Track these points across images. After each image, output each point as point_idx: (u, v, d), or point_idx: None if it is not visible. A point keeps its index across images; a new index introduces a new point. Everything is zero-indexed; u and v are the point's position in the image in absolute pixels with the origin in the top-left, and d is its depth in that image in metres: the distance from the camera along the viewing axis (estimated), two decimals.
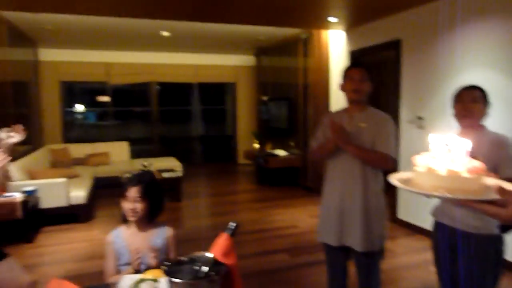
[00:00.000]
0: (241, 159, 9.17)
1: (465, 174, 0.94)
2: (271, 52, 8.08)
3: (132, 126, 9.65)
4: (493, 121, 2.26)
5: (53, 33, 6.27)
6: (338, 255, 2.53)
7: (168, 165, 6.82)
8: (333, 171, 2.48)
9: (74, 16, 5.01)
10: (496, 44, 3.58)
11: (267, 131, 8.13)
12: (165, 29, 6.12)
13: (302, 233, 4.59)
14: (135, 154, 7.89)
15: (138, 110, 9.47)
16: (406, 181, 1.04)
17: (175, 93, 9.82)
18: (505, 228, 2.12)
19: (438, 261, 2.27)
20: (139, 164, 6.17)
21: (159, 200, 1.99)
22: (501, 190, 0.93)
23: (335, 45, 6.06)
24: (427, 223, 2.45)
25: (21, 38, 6.32)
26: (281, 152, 7.19)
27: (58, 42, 7.06)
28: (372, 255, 2.40)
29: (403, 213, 4.78)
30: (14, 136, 2.05)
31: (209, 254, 1.37)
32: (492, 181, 1.00)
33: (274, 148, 7.53)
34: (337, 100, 5.69)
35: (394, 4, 4.38)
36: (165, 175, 6.02)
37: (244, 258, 3.85)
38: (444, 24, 4.06)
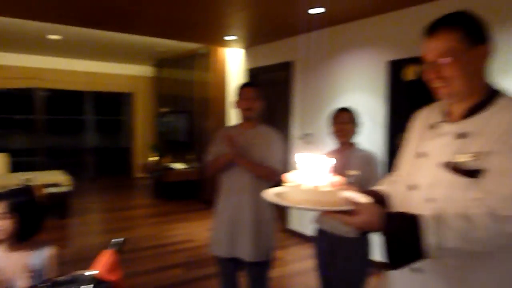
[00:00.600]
0: (138, 173, 8.85)
1: (327, 188, 1.09)
2: (170, 64, 8.02)
3: (13, 136, 8.67)
4: (364, 138, 2.60)
5: None
6: (229, 266, 2.61)
7: (54, 179, 6.26)
8: (226, 184, 2.58)
9: None
10: (364, 70, 4.13)
11: (165, 144, 8.00)
12: (54, 33, 5.69)
13: (198, 247, 4.60)
14: (16, 167, 7.09)
15: (20, 118, 8.54)
16: (277, 195, 1.16)
17: (65, 101, 9.10)
18: (367, 232, 2.47)
19: (319, 264, 2.52)
20: (19, 178, 5.57)
21: (35, 218, 1.84)
22: (352, 201, 1.09)
23: (234, 62, 6.28)
24: (312, 232, 2.69)
25: None
26: (179, 166, 7.13)
27: None
28: (261, 264, 2.54)
29: (292, 223, 5.11)
30: None
31: (91, 272, 1.33)
32: (349, 194, 1.16)
33: (172, 161, 7.44)
34: (235, 115, 5.89)
35: (287, 29, 4.72)
36: (50, 190, 5.53)
37: (139, 275, 3.73)
38: (328, 50, 4.53)
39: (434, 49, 1.15)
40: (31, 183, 5.15)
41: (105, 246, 1.43)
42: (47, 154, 8.18)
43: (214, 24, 4.68)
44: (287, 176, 1.14)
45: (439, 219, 1.03)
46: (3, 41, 6.37)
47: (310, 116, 4.81)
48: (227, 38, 5.39)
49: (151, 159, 7.88)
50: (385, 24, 3.94)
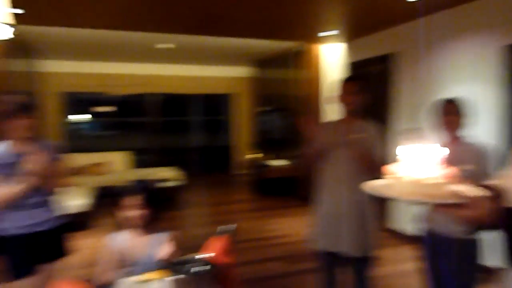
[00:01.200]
0: (238, 170, 9.27)
1: (433, 181, 1.04)
2: (268, 64, 8.25)
3: (132, 136, 9.78)
4: (477, 130, 2.40)
5: (54, 45, 6.42)
6: (330, 261, 2.63)
7: (168, 175, 6.92)
8: (326, 178, 2.59)
9: (74, 29, 5.16)
10: (474, 58, 3.77)
11: (265, 142, 8.26)
12: (162, 42, 6.28)
13: (296, 242, 4.68)
14: (136, 164, 7.99)
15: (138, 121, 9.60)
16: (381, 188, 1.12)
17: (174, 104, 9.96)
18: (482, 228, 2.25)
19: (426, 266, 2.38)
20: (140, 173, 6.27)
21: (157, 208, 2.09)
22: (465, 195, 1.02)
23: (330, 57, 6.22)
24: (416, 231, 2.56)
25: (24, 49, 6.47)
26: (277, 163, 7.30)
27: (59, 53, 7.21)
28: (362, 260, 2.50)
29: (393, 222, 4.88)
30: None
31: (206, 255, 1.48)
32: (461, 187, 1.09)
33: (271, 158, 7.65)
34: (331, 110, 5.83)
35: (386, 19, 4.54)
36: (165, 184, 6.11)
37: (241, 265, 3.93)
38: (433, 38, 4.22)
39: None
40: (151, 178, 5.78)
41: (213, 234, 1.56)
42: (161, 152, 9.07)
43: (311, 21, 4.72)
44: (389, 169, 1.11)
45: None
46: (117, 52, 7.22)
47: (415, 109, 4.55)
48: (322, 34, 5.37)
49: (250, 156, 8.20)
50: (500, 5, 3.55)
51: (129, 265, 1.99)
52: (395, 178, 1.08)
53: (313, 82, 6.40)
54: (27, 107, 2.12)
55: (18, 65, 6.23)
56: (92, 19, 4.48)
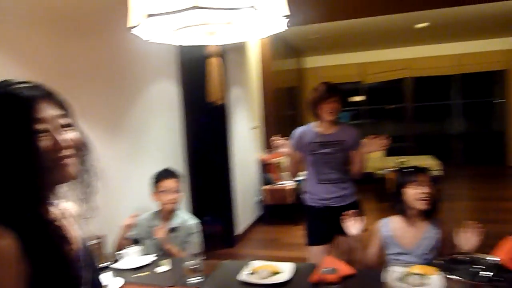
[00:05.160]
0: None
1: None
2: None
3: (385, 124, 9.66)
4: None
5: (315, 42, 7.03)
6: None
7: (425, 164, 6.47)
8: None
9: (334, 23, 5.45)
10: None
11: None
12: (420, 21, 5.85)
13: None
14: (390, 152, 7.87)
15: (391, 108, 9.40)
16: None
17: (431, 88, 9.19)
18: None
19: None
20: (394, 161, 6.14)
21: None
22: None
23: None
24: None
25: (291, 49, 7.38)
26: None
27: (319, 49, 7.85)
28: None
29: None
30: None
31: (493, 258, 1.26)
32: None
33: None
34: None
35: None
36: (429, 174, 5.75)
37: None
38: None
39: None
40: (417, 167, 5.56)
41: (498, 237, 1.31)
42: (415, 140, 8.59)
43: None
44: None
45: None
46: (375, 40, 7.19)
47: None
48: None
49: None
50: None
51: (396, 253, 1.94)
52: None
53: None
54: (333, 93, 2.52)
55: (284, 64, 7.14)
56: (350, 9, 4.61)
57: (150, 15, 1.17)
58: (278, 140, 2.70)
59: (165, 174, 2.41)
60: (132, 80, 2.96)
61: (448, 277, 1.31)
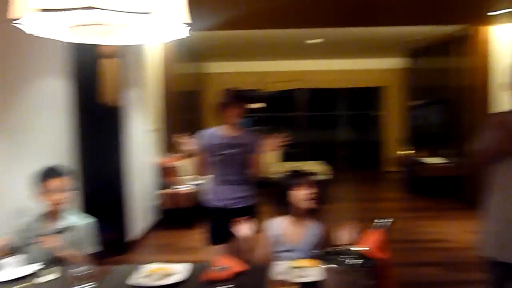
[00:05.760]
0: (388, 166, 8.81)
1: None
2: (422, 53, 7.58)
3: (282, 131, 10.19)
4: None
5: (218, 48, 7.16)
6: (503, 273, 2.29)
7: (316, 169, 7.02)
8: (502, 180, 2.26)
9: (236, 32, 5.65)
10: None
11: (419, 137, 7.64)
12: (313, 37, 6.36)
13: (456, 249, 4.22)
14: (286, 158, 8.35)
15: (285, 116, 9.97)
16: None
17: (322, 99, 10.01)
18: None
19: None
20: (290, 166, 6.53)
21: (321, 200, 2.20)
22: None
23: (504, 40, 5.36)
24: None
25: (195, 54, 7.39)
26: (434, 160, 6.68)
27: (222, 55, 8.00)
28: None
29: None
30: None
31: (360, 248, 1.46)
32: None
33: (426, 155, 7.03)
34: (501, 102, 5.05)
35: None
36: (314, 178, 6.23)
37: (394, 266, 3.76)
38: None
39: None
40: (302, 171, 5.96)
41: (368, 228, 1.52)
42: (309, 146, 9.25)
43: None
44: None
45: None
46: (272, 51, 7.61)
47: None
48: (493, 13, 4.65)
49: (402, 152, 7.70)
50: None
51: (284, 250, 2.10)
52: None
53: (480, 69, 5.63)
54: (240, 99, 2.70)
55: (186, 67, 7.12)
56: (250, 20, 4.82)
57: (39, 10, 1.12)
58: (182, 139, 2.73)
59: (51, 172, 2.20)
60: (11, 75, 2.70)
61: (326, 267, 1.47)
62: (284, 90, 9.12)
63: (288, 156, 8.46)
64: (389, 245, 1.37)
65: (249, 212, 2.67)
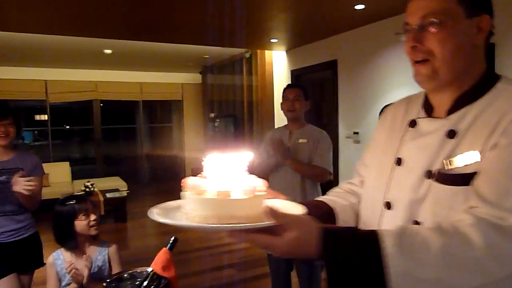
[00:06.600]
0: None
1: (240, 196, 0.74)
2: (216, 70, 8.20)
3: (72, 145, 9.27)
4: None
5: None
6: (281, 264, 2.65)
7: (112, 185, 6.63)
8: (274, 185, 2.62)
9: (14, 34, 4.81)
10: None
11: (215, 148, 8.17)
12: (107, 47, 6.03)
13: (248, 248, 4.67)
14: (77, 175, 7.57)
15: (79, 129, 9.12)
16: (168, 211, 0.88)
17: (119, 111, 9.60)
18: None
19: None
20: (81, 185, 5.97)
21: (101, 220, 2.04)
22: (272, 213, 0.71)
23: (278, 64, 6.31)
24: None
25: None
26: None
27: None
28: (312, 263, 2.55)
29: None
30: None
31: (147, 269, 1.41)
32: (273, 202, 0.80)
33: None
34: (282, 117, 5.91)
35: (330, 27, 4.68)
36: (109, 195, 5.87)
37: (195, 274, 3.88)
38: (372, 46, 4.42)
39: (421, 8, 0.86)
40: (93, 189, 5.51)
41: (162, 246, 1.51)
42: (104, 161, 8.66)
43: (256, 29, 4.74)
44: (188, 182, 0.83)
45: (408, 235, 0.71)
46: (62, 58, 6.83)
47: (357, 114, 4.73)
48: (272, 40, 5.41)
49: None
50: None
51: (72, 282, 1.87)
52: (192, 195, 0.81)
53: (264, 88, 6.44)
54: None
55: None
56: (28, 24, 4.19)
57: None
58: None
59: None
60: None
61: None
62: (77, 101, 8.28)
63: (79, 174, 7.72)
64: (172, 263, 1.38)
65: (31, 244, 2.42)
